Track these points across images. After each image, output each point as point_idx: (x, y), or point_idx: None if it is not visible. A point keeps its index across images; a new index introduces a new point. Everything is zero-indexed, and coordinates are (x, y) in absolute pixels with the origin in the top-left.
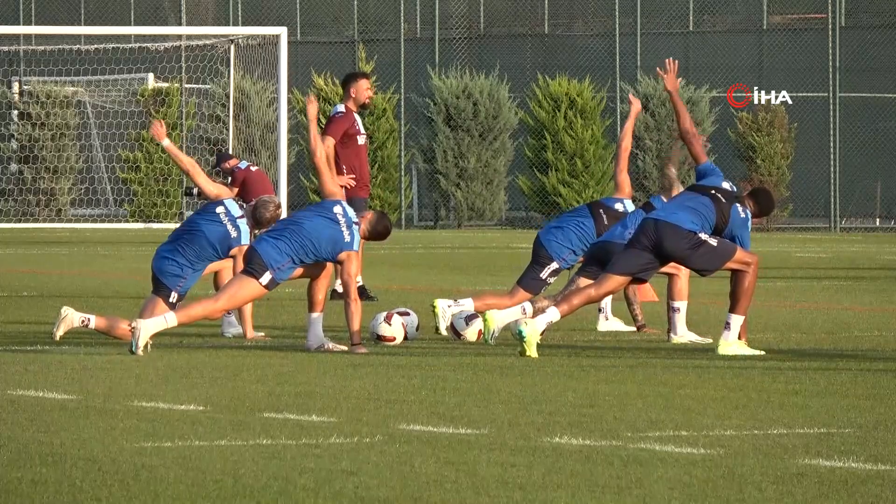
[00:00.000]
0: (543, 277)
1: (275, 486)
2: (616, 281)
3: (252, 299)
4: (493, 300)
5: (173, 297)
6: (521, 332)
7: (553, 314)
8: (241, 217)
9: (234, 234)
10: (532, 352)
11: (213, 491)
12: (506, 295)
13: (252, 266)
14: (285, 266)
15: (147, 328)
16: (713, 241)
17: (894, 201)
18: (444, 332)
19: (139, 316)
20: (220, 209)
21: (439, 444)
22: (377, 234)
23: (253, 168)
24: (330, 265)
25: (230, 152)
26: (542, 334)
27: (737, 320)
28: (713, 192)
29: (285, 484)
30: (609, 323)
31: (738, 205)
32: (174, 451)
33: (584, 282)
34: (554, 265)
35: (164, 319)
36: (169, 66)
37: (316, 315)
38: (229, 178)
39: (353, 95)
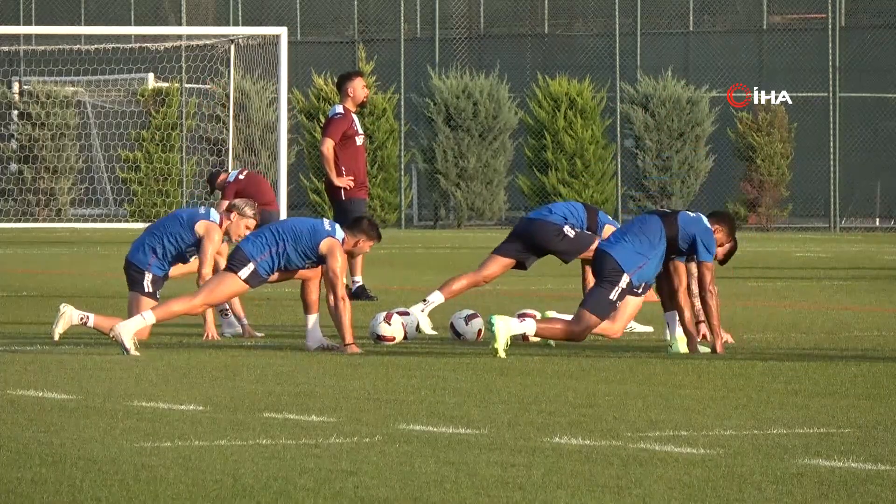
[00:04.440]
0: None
1: (275, 486)
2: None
3: (232, 296)
4: (458, 284)
5: (147, 283)
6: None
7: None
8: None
9: (202, 210)
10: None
11: (213, 491)
12: (466, 274)
13: (233, 261)
14: (265, 258)
15: (126, 329)
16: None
17: (894, 201)
18: (428, 331)
19: (128, 316)
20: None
21: (439, 444)
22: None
23: (241, 176)
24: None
25: (220, 168)
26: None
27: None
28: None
29: (285, 484)
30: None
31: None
32: (174, 451)
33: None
34: (566, 228)
35: (141, 318)
36: (169, 66)
37: (312, 316)
38: (222, 194)
39: (351, 95)
